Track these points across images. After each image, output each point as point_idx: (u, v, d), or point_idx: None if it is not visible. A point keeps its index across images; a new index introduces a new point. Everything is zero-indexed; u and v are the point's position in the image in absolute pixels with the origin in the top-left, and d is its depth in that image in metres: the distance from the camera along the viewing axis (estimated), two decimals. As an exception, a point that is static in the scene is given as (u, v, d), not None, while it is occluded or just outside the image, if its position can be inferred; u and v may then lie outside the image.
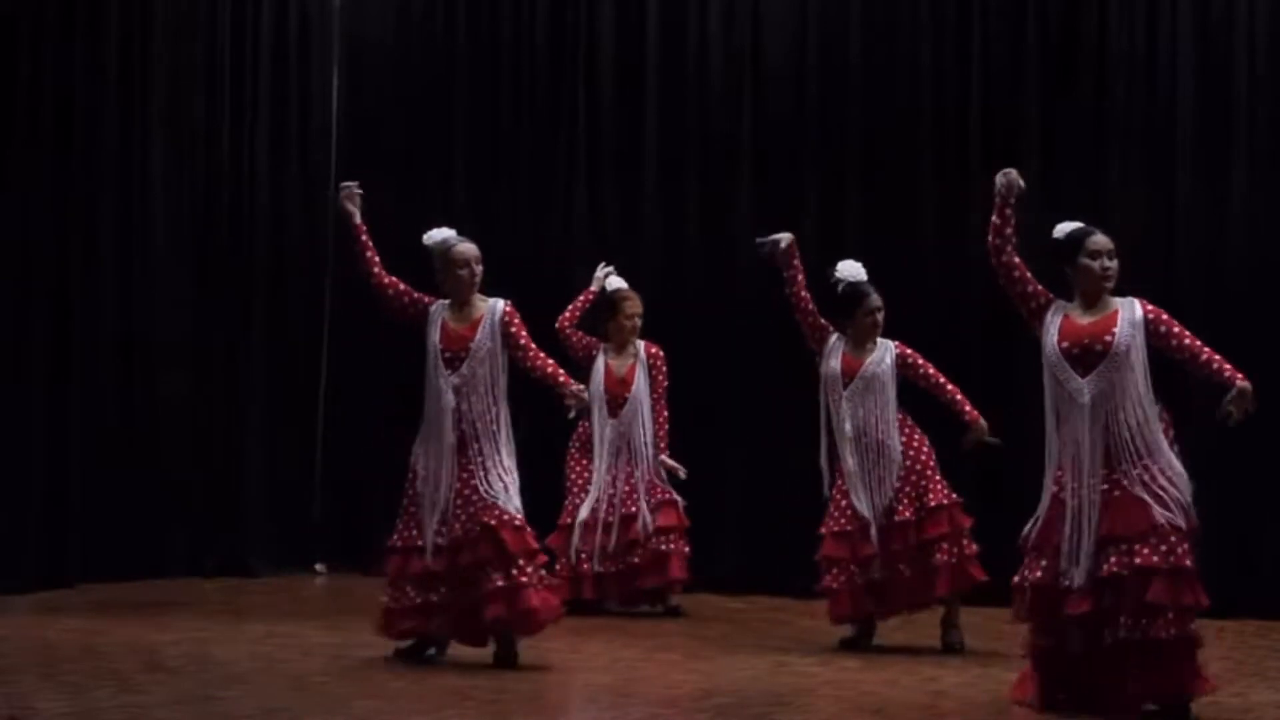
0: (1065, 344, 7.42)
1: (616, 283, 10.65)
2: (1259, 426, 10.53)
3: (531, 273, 12.13)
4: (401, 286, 8.54)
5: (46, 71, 11.11)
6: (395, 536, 8.51)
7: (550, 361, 8.50)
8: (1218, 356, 7.51)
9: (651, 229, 12.03)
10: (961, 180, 11.22)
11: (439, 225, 8.80)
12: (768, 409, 10.96)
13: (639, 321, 10.59)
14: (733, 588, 11.08)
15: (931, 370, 9.16)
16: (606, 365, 10.53)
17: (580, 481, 10.53)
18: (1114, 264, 7.48)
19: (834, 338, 9.17)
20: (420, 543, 8.40)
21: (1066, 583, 7.26)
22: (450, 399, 8.36)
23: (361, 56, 12.86)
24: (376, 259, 8.56)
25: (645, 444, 10.51)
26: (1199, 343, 7.51)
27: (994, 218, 7.48)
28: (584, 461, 10.55)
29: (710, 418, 11.66)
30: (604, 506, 10.38)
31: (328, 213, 12.54)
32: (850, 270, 9.24)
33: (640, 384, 10.54)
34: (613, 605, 10.47)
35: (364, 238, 8.57)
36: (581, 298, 10.67)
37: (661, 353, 10.62)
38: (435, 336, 8.42)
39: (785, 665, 8.62)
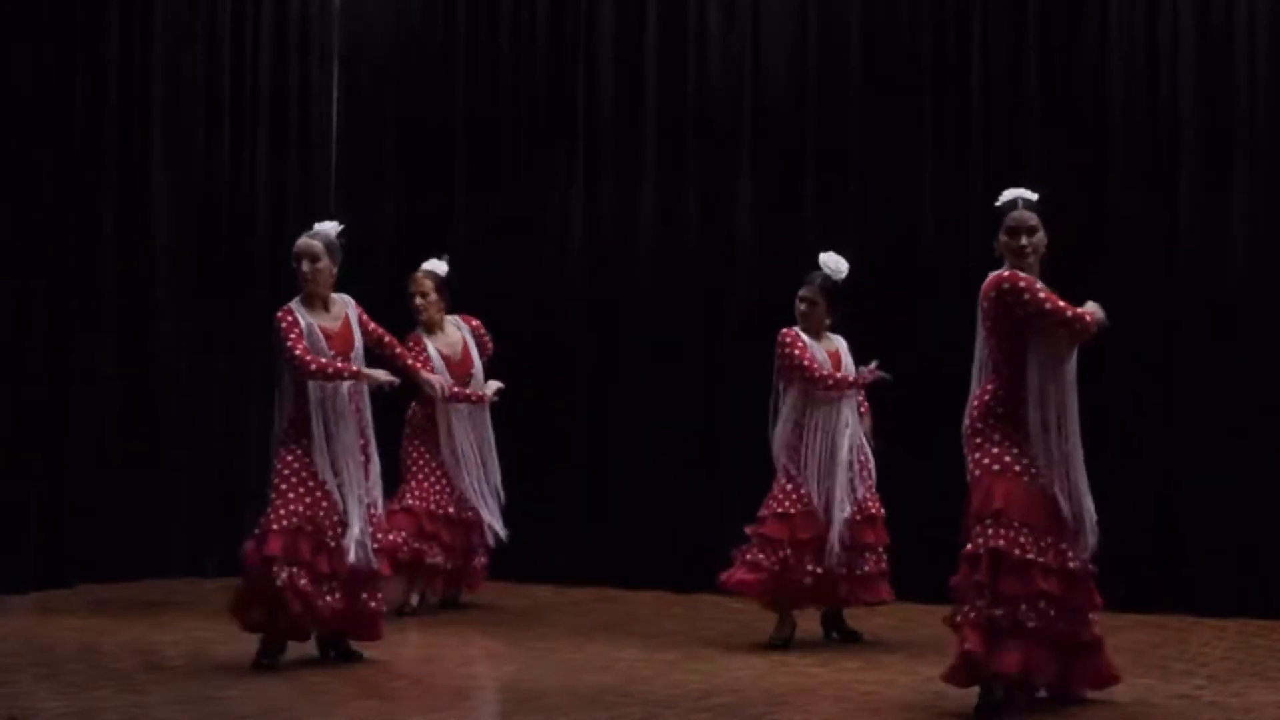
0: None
1: (427, 264, 10.54)
2: (1259, 427, 10.57)
3: (531, 273, 12.15)
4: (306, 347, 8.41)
5: (48, 72, 11.12)
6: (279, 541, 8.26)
7: (406, 351, 9.21)
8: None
9: (650, 228, 12.01)
10: (962, 178, 11.22)
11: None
12: (767, 407, 10.91)
13: (420, 299, 10.35)
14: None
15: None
16: (437, 350, 10.33)
17: (416, 467, 10.36)
18: (1032, 240, 7.39)
19: (796, 330, 9.25)
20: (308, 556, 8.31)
21: (1073, 564, 7.33)
22: (346, 401, 8.40)
23: (361, 57, 12.85)
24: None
25: (487, 425, 10.49)
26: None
27: None
28: (421, 448, 10.38)
29: (710, 417, 11.67)
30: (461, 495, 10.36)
31: (328, 213, 12.54)
32: (824, 262, 9.35)
33: (476, 362, 10.48)
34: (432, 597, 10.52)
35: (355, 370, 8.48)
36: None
37: (482, 325, 10.61)
38: (321, 341, 8.38)
39: (785, 665, 8.63)
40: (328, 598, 8.28)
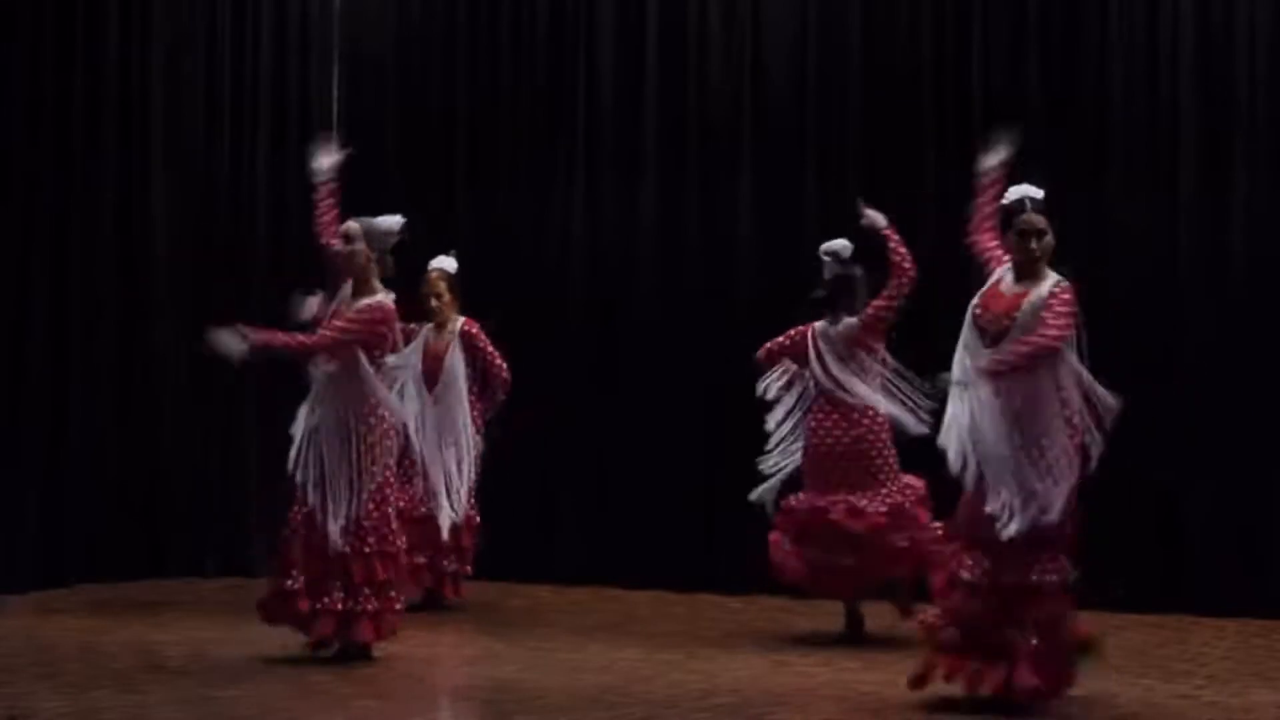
0: (980, 311, 7.44)
1: (436, 262, 10.52)
2: (1260, 425, 10.57)
3: (531, 273, 12.14)
4: None
5: (48, 72, 11.11)
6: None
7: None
8: (1029, 344, 7.41)
9: (650, 228, 12.01)
10: (963, 177, 11.18)
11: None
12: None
13: (435, 301, 10.36)
14: (733, 588, 11.07)
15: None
16: (425, 342, 10.32)
17: (402, 469, 10.17)
18: (1040, 244, 7.43)
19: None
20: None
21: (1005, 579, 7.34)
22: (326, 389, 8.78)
23: (361, 57, 12.84)
24: None
25: (462, 424, 10.36)
26: (1044, 334, 7.41)
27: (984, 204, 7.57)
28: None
29: (709, 416, 11.66)
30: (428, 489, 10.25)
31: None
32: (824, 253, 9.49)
33: (454, 361, 10.38)
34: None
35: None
36: None
37: (477, 328, 10.51)
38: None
39: (785, 665, 8.63)
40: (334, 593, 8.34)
